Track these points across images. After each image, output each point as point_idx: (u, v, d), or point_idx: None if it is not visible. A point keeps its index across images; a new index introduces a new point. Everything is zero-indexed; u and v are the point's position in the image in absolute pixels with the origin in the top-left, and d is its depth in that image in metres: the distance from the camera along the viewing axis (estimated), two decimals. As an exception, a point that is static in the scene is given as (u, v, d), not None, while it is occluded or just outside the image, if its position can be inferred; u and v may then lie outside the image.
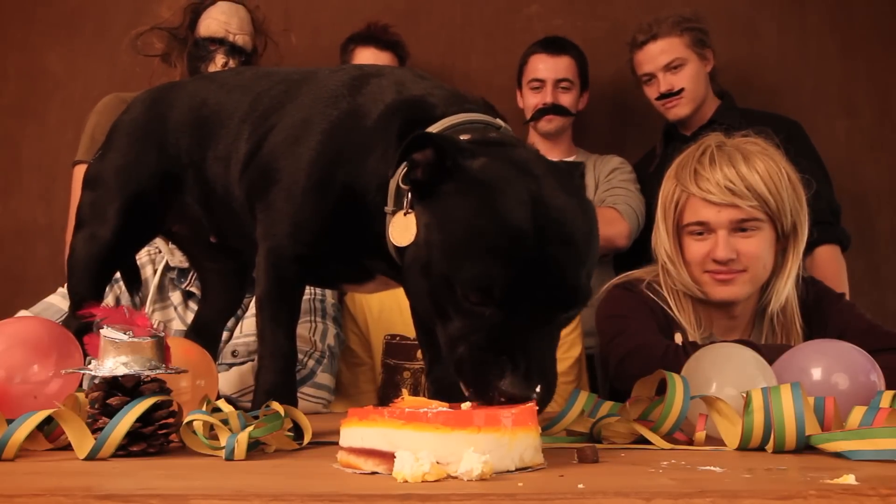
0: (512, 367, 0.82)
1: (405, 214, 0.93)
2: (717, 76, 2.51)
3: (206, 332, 1.48)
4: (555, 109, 2.49)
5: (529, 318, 0.84)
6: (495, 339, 0.83)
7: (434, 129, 0.98)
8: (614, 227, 2.32)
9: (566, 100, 2.52)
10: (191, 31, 2.30)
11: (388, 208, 0.97)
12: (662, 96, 2.41)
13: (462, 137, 0.94)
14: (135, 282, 1.58)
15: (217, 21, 2.30)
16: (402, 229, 0.93)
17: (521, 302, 0.83)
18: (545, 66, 2.53)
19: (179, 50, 2.30)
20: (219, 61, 2.25)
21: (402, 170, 0.94)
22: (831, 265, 2.28)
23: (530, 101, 2.54)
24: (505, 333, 0.83)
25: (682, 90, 2.40)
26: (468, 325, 0.85)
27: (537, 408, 0.81)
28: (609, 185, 2.44)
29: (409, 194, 0.93)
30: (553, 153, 2.52)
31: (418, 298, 0.94)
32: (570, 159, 2.55)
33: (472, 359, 0.84)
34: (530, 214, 0.84)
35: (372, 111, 1.05)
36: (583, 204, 0.91)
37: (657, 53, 2.40)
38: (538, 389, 0.82)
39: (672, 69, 2.40)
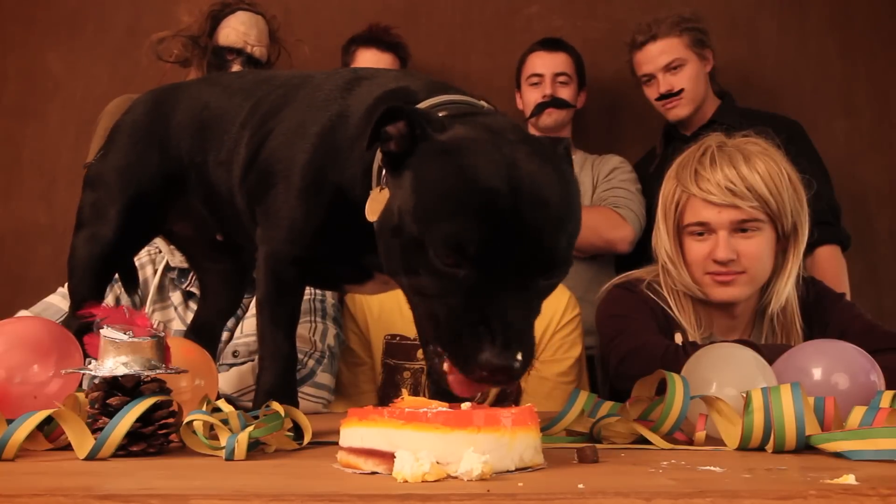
0: (491, 338, 0.79)
1: (381, 191, 0.92)
2: (716, 76, 2.51)
3: (205, 333, 1.48)
4: (555, 102, 2.50)
5: (506, 281, 0.80)
6: (472, 305, 0.80)
7: None
8: (618, 231, 2.33)
9: (565, 93, 2.53)
10: (209, 39, 2.30)
11: (374, 189, 0.96)
12: (662, 97, 2.41)
13: (440, 114, 0.93)
14: (131, 282, 1.57)
15: (236, 31, 2.30)
16: (377, 203, 0.91)
17: (497, 263, 0.80)
18: (543, 62, 2.55)
19: (200, 57, 2.30)
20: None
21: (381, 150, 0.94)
22: (832, 265, 2.28)
23: (530, 97, 2.55)
24: (481, 298, 0.80)
25: (681, 91, 2.40)
26: (442, 288, 0.82)
27: (514, 375, 0.79)
28: (609, 184, 2.44)
29: (383, 169, 0.91)
30: None
31: (391, 262, 0.91)
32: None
33: (450, 327, 0.81)
34: (504, 174, 0.81)
35: (358, 109, 1.05)
36: (560, 171, 0.88)
37: (657, 54, 2.40)
38: (519, 358, 0.79)
39: (672, 70, 2.40)
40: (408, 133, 0.88)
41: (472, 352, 0.79)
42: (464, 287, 0.81)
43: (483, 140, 0.85)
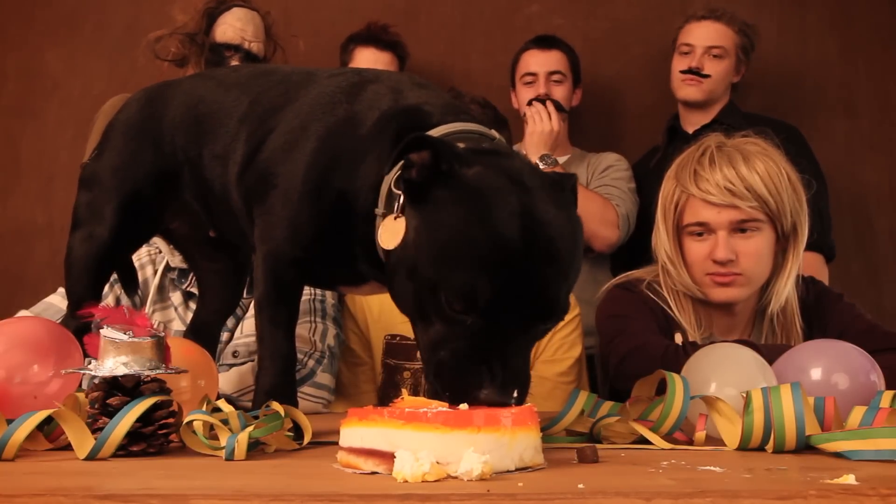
0: (490, 377, 0.84)
1: (395, 218, 0.94)
2: (737, 90, 2.57)
3: (204, 333, 1.48)
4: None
5: (509, 328, 0.86)
6: (475, 348, 0.85)
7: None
8: (606, 229, 2.32)
9: (559, 92, 2.53)
10: (206, 36, 2.30)
11: (379, 210, 0.98)
12: (690, 70, 2.46)
13: (459, 145, 0.94)
14: (131, 283, 1.57)
15: (233, 28, 2.31)
16: (392, 233, 0.93)
17: (504, 312, 0.85)
18: (536, 61, 2.55)
19: (197, 55, 2.30)
20: None
21: (395, 173, 0.95)
22: (813, 273, 2.27)
23: (524, 96, 2.55)
24: (485, 342, 0.85)
25: (708, 76, 2.46)
26: (449, 331, 0.87)
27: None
28: (602, 180, 2.43)
29: (401, 197, 0.93)
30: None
31: (402, 300, 0.95)
32: (566, 157, 2.56)
33: (452, 366, 0.86)
34: (519, 228, 0.85)
35: (367, 118, 1.06)
36: (571, 219, 0.93)
37: (710, 32, 2.48)
38: (515, 395, 0.84)
39: (713, 54, 2.47)
40: (430, 164, 0.90)
41: (472, 389, 0.84)
42: (468, 332, 0.86)
43: (503, 187, 0.88)
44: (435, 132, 0.98)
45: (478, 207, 0.87)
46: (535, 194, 0.89)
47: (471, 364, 0.85)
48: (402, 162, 0.92)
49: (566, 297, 0.90)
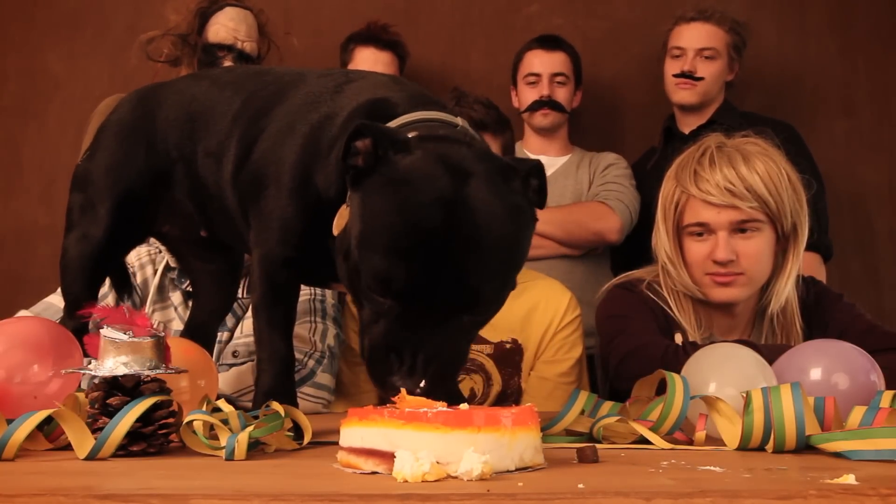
0: (399, 363, 0.86)
1: (346, 207, 0.96)
2: (732, 88, 2.55)
3: (201, 334, 1.47)
4: (551, 104, 2.50)
5: (428, 314, 0.86)
6: (391, 333, 0.87)
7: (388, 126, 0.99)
8: (604, 221, 2.35)
9: (562, 94, 2.54)
10: (199, 36, 2.30)
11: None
12: (682, 74, 2.44)
13: (410, 134, 0.95)
14: (124, 287, 1.57)
15: (226, 27, 2.30)
16: (340, 219, 0.96)
17: (420, 298, 0.85)
18: (541, 61, 2.55)
19: (190, 55, 2.29)
20: None
21: None
22: (810, 272, 2.27)
23: (526, 95, 2.55)
24: (401, 328, 0.87)
25: (701, 79, 2.44)
26: (372, 314, 0.89)
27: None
28: (603, 179, 2.46)
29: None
30: (549, 150, 2.55)
31: (342, 279, 0.97)
32: (566, 158, 2.57)
33: (370, 352, 0.89)
34: (441, 214, 0.85)
35: (343, 112, 1.07)
36: (511, 209, 0.90)
37: (700, 34, 2.45)
38: (422, 384, 0.85)
39: (704, 56, 2.44)
40: (372, 151, 0.91)
41: (383, 375, 0.88)
42: (388, 316, 0.87)
43: (433, 174, 0.88)
44: (396, 122, 0.99)
45: (400, 193, 0.88)
46: (472, 181, 0.88)
47: (384, 350, 0.87)
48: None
49: (496, 288, 0.89)
